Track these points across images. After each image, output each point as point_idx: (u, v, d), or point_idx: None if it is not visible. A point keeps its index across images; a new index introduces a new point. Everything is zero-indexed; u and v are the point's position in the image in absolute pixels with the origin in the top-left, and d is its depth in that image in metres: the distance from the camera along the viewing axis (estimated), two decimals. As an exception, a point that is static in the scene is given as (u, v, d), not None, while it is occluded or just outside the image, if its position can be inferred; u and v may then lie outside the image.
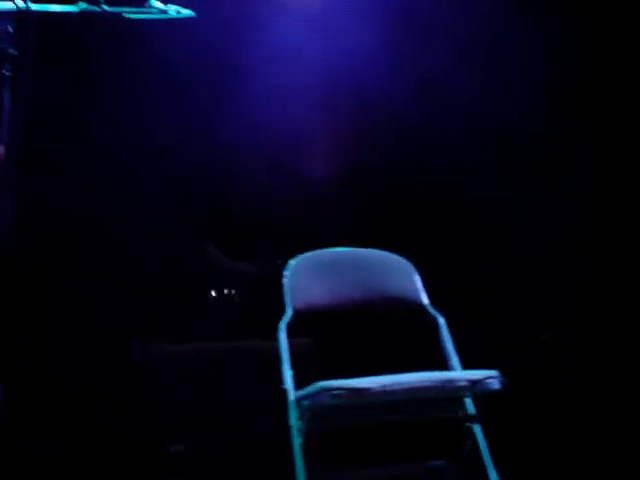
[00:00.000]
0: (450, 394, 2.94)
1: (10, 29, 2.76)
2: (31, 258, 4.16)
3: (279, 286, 3.36)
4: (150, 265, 4.38)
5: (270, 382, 3.21)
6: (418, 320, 3.37)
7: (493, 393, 2.91)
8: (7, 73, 2.75)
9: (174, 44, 4.28)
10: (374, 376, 2.87)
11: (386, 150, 4.89)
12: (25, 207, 3.85)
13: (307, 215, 4.79)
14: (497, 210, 4.83)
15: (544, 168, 4.91)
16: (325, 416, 2.92)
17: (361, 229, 4.63)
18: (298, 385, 3.04)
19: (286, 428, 3.00)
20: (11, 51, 2.76)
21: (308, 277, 3.38)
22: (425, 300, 3.39)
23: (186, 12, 3.10)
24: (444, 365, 3.24)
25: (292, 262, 3.40)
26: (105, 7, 2.93)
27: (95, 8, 2.90)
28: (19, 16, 2.78)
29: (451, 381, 2.88)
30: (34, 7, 2.80)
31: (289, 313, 3.28)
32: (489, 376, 2.90)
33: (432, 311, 3.36)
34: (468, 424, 3.08)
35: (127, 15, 2.97)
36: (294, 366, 3.13)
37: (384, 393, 2.77)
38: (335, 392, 2.77)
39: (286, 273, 3.36)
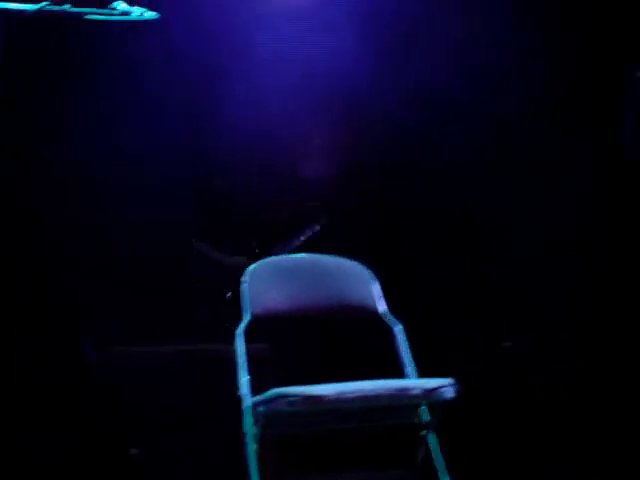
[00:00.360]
0: (405, 402, 2.95)
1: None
2: (27, 256, 4.15)
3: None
4: (145, 264, 4.37)
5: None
6: (376, 327, 3.38)
7: (447, 402, 2.93)
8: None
9: (155, 45, 4.28)
10: (331, 383, 2.88)
11: (382, 150, 4.90)
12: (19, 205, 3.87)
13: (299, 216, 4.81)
14: (497, 210, 4.85)
15: (544, 168, 4.94)
16: (280, 423, 2.92)
17: (357, 230, 4.66)
18: (256, 391, 3.04)
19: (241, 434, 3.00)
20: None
21: (267, 282, 3.38)
22: (383, 308, 3.40)
23: (150, 14, 3.08)
24: (401, 372, 3.25)
25: (251, 267, 3.39)
26: (67, 7, 2.91)
27: (56, 8, 2.89)
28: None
29: (405, 389, 2.89)
30: (-5, 5, 2.78)
31: (247, 318, 3.27)
32: (443, 384, 2.92)
33: (389, 319, 3.37)
34: (423, 432, 3.10)
35: (89, 16, 2.95)
36: (251, 371, 3.12)
37: (339, 401, 2.78)
38: (290, 399, 2.78)
39: (245, 278, 3.35)
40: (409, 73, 4.79)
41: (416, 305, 4.37)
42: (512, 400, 4.49)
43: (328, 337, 4.16)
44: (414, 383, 3.03)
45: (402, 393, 2.87)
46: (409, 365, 3.23)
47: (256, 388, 3.04)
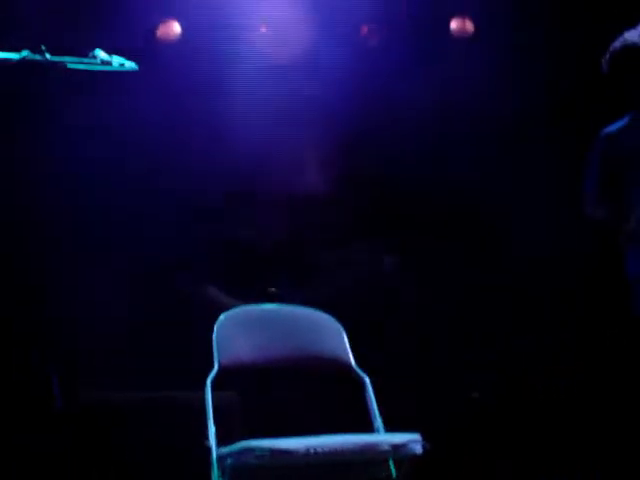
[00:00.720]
0: (373, 457, 2.97)
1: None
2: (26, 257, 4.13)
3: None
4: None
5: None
6: (345, 380, 3.40)
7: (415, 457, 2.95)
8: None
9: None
10: (299, 436, 2.88)
11: (380, 155, 4.95)
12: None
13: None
14: (496, 210, 4.90)
15: (544, 168, 5.00)
16: (248, 476, 2.91)
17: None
18: (223, 441, 3.03)
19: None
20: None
21: (235, 333, 3.37)
22: (351, 360, 3.42)
23: (129, 65, 3.12)
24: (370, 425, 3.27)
25: (221, 317, 3.40)
26: (48, 56, 2.94)
27: (38, 57, 2.91)
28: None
29: (374, 445, 2.91)
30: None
31: (215, 368, 3.27)
32: (411, 440, 2.94)
33: (358, 372, 3.38)
34: (390, 486, 3.10)
35: (70, 65, 2.98)
36: (221, 420, 3.11)
37: (307, 455, 2.78)
38: (258, 453, 2.77)
39: (215, 327, 3.36)
40: (413, 75, 4.87)
41: (384, 358, 4.43)
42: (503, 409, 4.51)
43: (297, 388, 4.17)
44: (382, 438, 3.04)
45: (370, 449, 2.89)
46: (377, 418, 3.25)
47: (225, 437, 3.04)
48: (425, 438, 2.96)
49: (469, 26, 5.12)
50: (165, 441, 3.80)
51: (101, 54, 3.09)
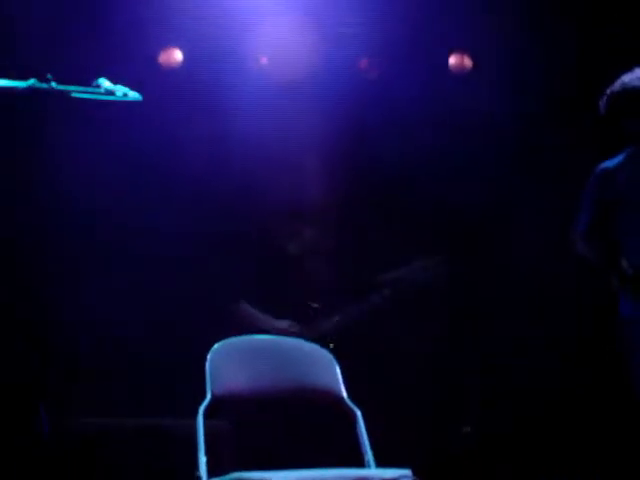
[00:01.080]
0: (363, 492, 2.98)
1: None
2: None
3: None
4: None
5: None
6: (337, 412, 3.41)
7: None
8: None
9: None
10: (290, 469, 2.89)
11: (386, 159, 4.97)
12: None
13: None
14: (496, 210, 4.91)
15: (544, 168, 5.03)
16: (238, 507, 2.91)
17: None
18: (214, 471, 3.03)
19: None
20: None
21: (228, 363, 3.37)
22: (343, 393, 3.43)
23: (133, 95, 3.15)
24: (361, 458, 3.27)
25: (215, 346, 3.41)
26: (54, 84, 2.97)
27: (44, 85, 2.94)
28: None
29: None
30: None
31: (208, 397, 3.27)
32: (402, 475, 2.95)
33: (349, 404, 3.39)
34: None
35: (74, 94, 3.01)
36: (213, 449, 3.11)
37: (298, 489, 2.79)
38: (250, 484, 2.78)
39: (208, 357, 3.37)
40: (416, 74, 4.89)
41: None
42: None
43: (288, 420, 4.18)
44: (373, 473, 3.06)
45: (361, 484, 2.90)
46: (368, 452, 3.25)
47: (215, 467, 3.04)
48: (416, 473, 2.98)
49: (467, 62, 5.18)
50: (154, 469, 3.79)
51: (105, 83, 3.12)
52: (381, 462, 3.17)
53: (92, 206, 4.57)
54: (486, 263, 5.16)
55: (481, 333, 5.19)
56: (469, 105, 5.04)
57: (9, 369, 4.17)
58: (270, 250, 4.80)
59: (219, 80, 4.91)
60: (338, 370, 3.46)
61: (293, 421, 4.13)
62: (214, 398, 3.27)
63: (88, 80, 3.10)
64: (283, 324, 4.39)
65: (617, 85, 3.86)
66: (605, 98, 3.88)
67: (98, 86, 3.11)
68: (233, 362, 3.39)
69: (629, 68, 3.92)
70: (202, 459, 3.08)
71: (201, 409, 3.21)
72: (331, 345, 4.46)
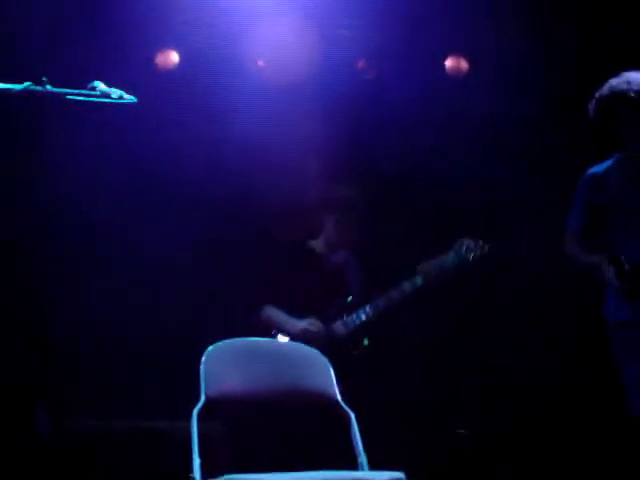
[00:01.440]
0: (355, 495, 2.98)
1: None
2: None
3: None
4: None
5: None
6: (331, 414, 3.41)
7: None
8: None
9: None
10: (283, 472, 2.90)
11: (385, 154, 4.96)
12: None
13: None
14: (496, 210, 4.91)
15: (544, 168, 5.03)
16: (231, 510, 2.91)
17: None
18: (209, 473, 3.04)
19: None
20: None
21: (222, 365, 3.37)
22: (337, 395, 3.42)
23: (128, 98, 3.15)
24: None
25: (210, 348, 3.41)
26: (49, 87, 2.98)
27: (39, 88, 2.95)
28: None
29: (357, 483, 2.93)
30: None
31: (202, 399, 3.28)
32: (394, 478, 2.96)
33: (343, 407, 3.40)
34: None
35: (70, 97, 3.01)
36: (209, 451, 3.12)
37: (290, 491, 2.80)
38: (243, 487, 2.79)
39: (203, 359, 3.37)
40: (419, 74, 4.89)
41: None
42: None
43: (283, 422, 4.18)
44: (366, 476, 3.06)
45: (353, 487, 2.90)
46: (361, 454, 3.26)
47: (210, 469, 3.05)
48: (416, 473, 2.98)
49: (464, 65, 5.17)
50: (154, 470, 3.80)
51: (100, 86, 3.13)
52: (380, 463, 3.18)
53: (90, 207, 4.58)
54: (485, 263, 5.15)
55: (481, 333, 5.19)
56: (468, 105, 5.05)
57: (9, 369, 4.18)
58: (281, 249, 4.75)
59: (216, 82, 4.92)
60: (332, 372, 3.47)
61: (287, 423, 4.13)
62: (208, 400, 3.27)
63: (84, 82, 3.10)
64: (303, 324, 4.37)
65: (605, 89, 3.86)
66: (594, 102, 3.88)
67: (93, 88, 3.11)
68: (227, 364, 3.39)
69: (629, 68, 3.92)
70: (196, 461, 3.09)
71: (195, 411, 3.22)
72: (365, 341, 4.44)
